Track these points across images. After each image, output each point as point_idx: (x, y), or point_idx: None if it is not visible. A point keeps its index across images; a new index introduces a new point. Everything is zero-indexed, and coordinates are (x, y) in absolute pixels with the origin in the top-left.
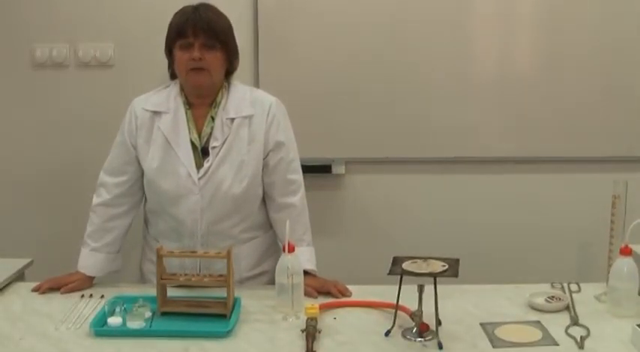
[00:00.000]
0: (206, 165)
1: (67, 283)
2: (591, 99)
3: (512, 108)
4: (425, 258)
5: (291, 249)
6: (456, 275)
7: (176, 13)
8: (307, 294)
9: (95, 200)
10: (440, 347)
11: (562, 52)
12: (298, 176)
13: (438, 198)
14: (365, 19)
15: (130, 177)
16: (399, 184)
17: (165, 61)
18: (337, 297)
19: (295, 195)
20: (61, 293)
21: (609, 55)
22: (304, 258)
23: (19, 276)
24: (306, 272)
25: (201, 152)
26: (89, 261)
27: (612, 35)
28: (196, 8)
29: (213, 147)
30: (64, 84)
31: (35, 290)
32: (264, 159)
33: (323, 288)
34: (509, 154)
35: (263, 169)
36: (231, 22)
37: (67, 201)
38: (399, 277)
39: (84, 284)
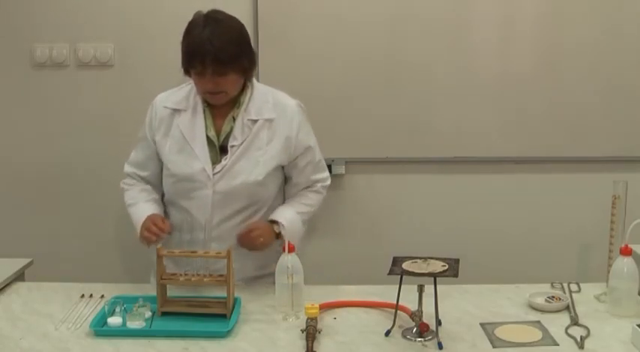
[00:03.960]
0: (223, 162)
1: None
2: (591, 99)
3: (513, 108)
4: (425, 258)
5: (291, 249)
6: (456, 275)
7: (186, 32)
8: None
9: (124, 185)
10: (440, 347)
11: (562, 53)
12: (323, 174)
13: (438, 198)
14: (365, 19)
15: (152, 171)
16: (399, 184)
17: (164, 61)
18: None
19: (319, 194)
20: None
21: (609, 56)
22: (285, 213)
23: (19, 276)
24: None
25: (220, 149)
26: (150, 208)
27: (612, 35)
28: (205, 27)
29: (232, 146)
30: (64, 84)
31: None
32: (293, 161)
33: (248, 235)
34: (509, 154)
35: (292, 170)
36: None
37: (67, 201)
38: (399, 277)
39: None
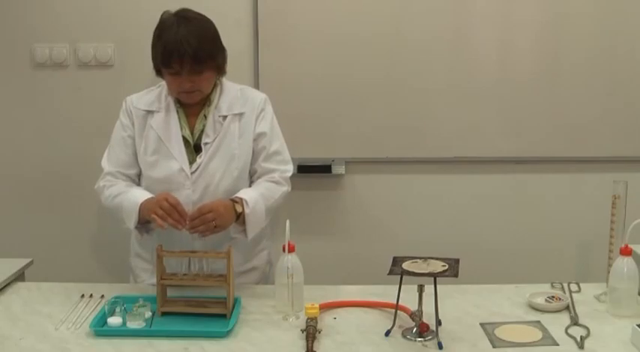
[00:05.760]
0: (199, 160)
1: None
2: (591, 99)
3: (513, 108)
4: (425, 258)
5: (291, 249)
6: (456, 275)
7: (160, 33)
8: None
9: (106, 183)
10: (440, 347)
11: (562, 53)
12: (281, 166)
13: (438, 198)
14: (365, 20)
15: (138, 170)
16: (399, 184)
17: None
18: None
19: (279, 184)
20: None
21: (609, 55)
22: (248, 192)
23: (19, 276)
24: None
25: (194, 148)
26: (146, 193)
27: (612, 35)
28: (178, 27)
29: (206, 143)
30: (64, 84)
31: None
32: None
33: (199, 217)
34: (509, 154)
35: (252, 158)
36: (232, 21)
37: (67, 201)
38: (399, 277)
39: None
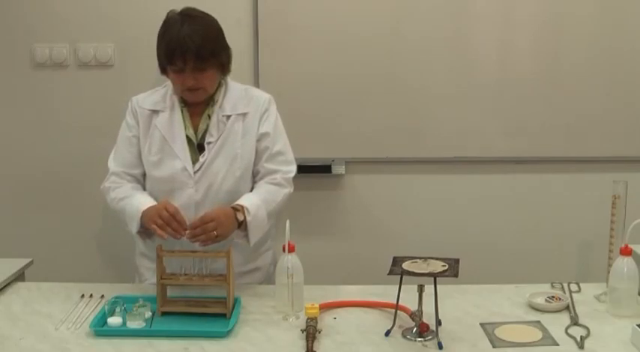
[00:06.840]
0: (202, 159)
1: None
2: (591, 99)
3: (513, 108)
4: (425, 258)
5: (291, 249)
6: (456, 275)
7: (164, 31)
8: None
9: (111, 184)
10: (440, 347)
11: (562, 53)
12: (283, 167)
13: (438, 198)
14: (365, 20)
15: (142, 170)
16: (399, 184)
17: None
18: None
19: (281, 186)
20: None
21: (609, 56)
22: (250, 198)
23: (19, 276)
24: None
25: (197, 148)
26: (149, 199)
27: (612, 35)
28: (182, 24)
29: (209, 143)
30: (64, 84)
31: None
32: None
33: (201, 226)
34: (509, 154)
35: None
36: (232, 21)
37: (67, 201)
38: (399, 277)
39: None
